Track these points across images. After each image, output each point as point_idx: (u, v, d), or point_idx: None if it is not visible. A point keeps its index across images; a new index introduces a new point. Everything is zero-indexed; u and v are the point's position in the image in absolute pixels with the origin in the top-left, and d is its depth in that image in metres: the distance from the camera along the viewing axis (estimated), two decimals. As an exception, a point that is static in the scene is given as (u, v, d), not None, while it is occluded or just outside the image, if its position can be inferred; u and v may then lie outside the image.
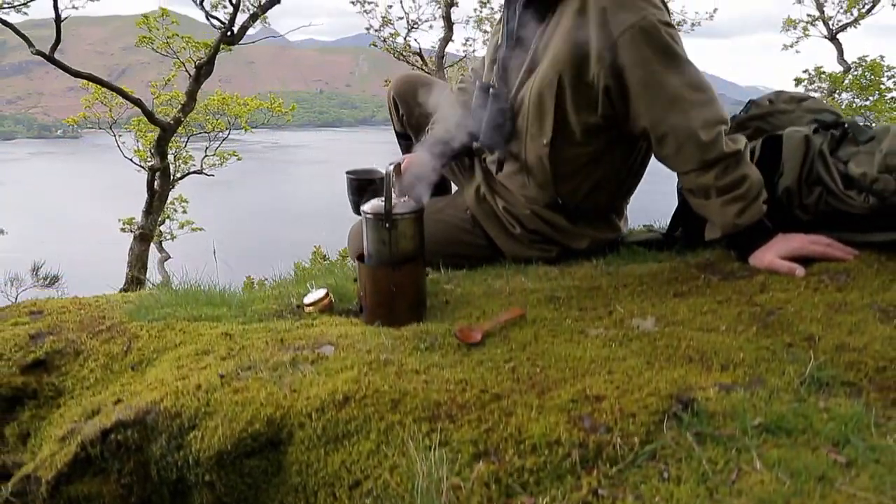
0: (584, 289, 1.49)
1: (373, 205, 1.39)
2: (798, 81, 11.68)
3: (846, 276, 1.34)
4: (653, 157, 1.68)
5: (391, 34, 11.00)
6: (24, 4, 7.41)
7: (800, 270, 1.39)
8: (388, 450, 0.93)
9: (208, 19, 8.13)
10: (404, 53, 10.97)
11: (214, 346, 1.27)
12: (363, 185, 1.81)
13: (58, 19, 7.15)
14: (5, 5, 7.29)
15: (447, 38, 10.47)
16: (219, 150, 10.60)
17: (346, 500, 0.90)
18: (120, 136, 9.79)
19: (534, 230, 1.76)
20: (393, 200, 1.36)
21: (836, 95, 11.02)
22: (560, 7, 1.57)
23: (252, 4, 8.13)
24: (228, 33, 8.01)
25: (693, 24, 11.37)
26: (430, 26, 11.34)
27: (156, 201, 8.20)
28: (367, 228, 1.40)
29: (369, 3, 10.86)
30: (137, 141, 9.85)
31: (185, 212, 11.11)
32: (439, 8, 10.50)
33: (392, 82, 2.16)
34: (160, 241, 10.46)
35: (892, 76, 10.61)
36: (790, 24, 11.74)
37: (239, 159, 11.06)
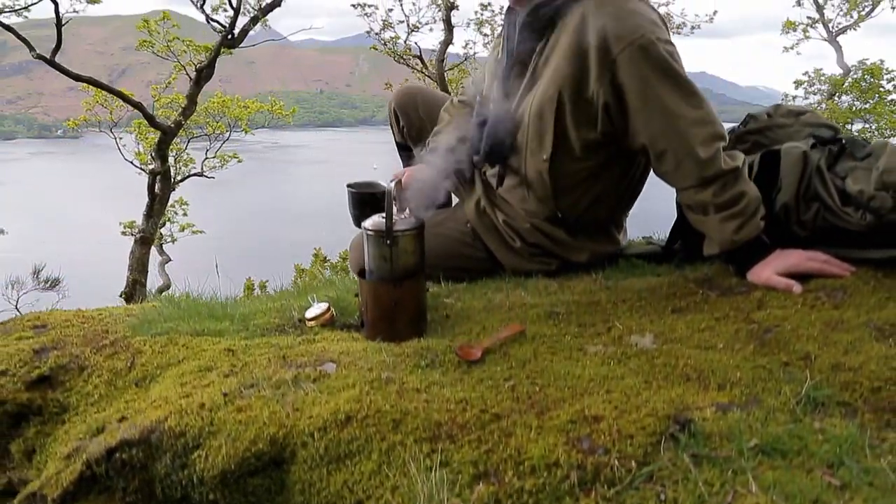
0: (584, 304, 1.50)
1: (374, 221, 1.40)
2: (798, 84, 11.71)
3: (843, 294, 1.35)
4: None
5: (392, 37, 11.02)
6: (25, 8, 7.41)
7: (797, 287, 1.40)
8: (389, 470, 0.94)
9: (209, 23, 8.14)
10: (405, 56, 10.98)
11: (217, 362, 1.28)
12: (364, 199, 1.83)
13: (59, 23, 7.16)
14: (6, 9, 7.30)
15: (447, 41, 10.49)
16: (219, 152, 10.62)
17: (348, 521, 0.92)
18: (120, 137, 9.79)
19: (534, 243, 1.77)
20: (394, 217, 1.38)
21: (836, 98, 11.04)
22: (560, 23, 1.58)
23: (252, 7, 8.15)
24: (229, 37, 8.02)
25: (693, 28, 11.39)
26: (431, 29, 11.36)
27: (156, 205, 8.22)
28: (368, 244, 1.41)
29: (370, 6, 10.89)
30: (138, 143, 9.86)
31: (185, 214, 11.13)
32: (440, 11, 10.51)
33: (393, 94, 2.18)
34: (161, 244, 10.47)
35: (892, 79, 10.63)
36: (789, 26, 11.76)
37: (240, 161, 11.08)
